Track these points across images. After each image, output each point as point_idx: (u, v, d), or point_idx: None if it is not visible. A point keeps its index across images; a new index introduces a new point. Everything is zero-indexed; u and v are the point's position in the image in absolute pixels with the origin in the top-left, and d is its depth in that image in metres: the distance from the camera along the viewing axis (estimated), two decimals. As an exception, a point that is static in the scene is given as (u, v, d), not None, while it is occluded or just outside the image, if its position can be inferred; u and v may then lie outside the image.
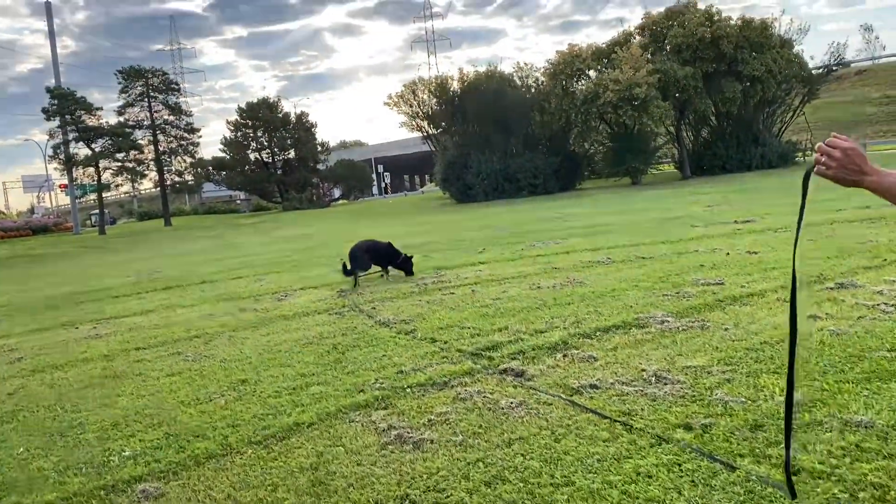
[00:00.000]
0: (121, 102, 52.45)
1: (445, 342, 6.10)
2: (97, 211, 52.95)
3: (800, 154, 38.40)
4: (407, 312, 7.63)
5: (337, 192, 67.78)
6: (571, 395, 4.42)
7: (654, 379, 4.51)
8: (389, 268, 10.43)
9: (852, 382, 4.01)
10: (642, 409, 4.02)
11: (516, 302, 7.51)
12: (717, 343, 5.16)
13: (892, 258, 7.63)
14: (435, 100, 38.74)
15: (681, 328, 5.67)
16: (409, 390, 4.88)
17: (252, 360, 6.23)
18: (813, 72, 36.10)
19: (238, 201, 76.53)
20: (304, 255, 16.23)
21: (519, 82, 37.90)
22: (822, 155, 1.82)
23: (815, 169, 1.89)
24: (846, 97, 61.12)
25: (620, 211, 19.20)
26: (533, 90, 37.44)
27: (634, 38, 36.10)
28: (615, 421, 3.90)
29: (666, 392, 4.24)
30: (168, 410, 5.01)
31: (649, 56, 32.89)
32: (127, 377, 6.10)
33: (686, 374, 4.55)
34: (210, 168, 60.29)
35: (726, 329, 5.52)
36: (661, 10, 35.89)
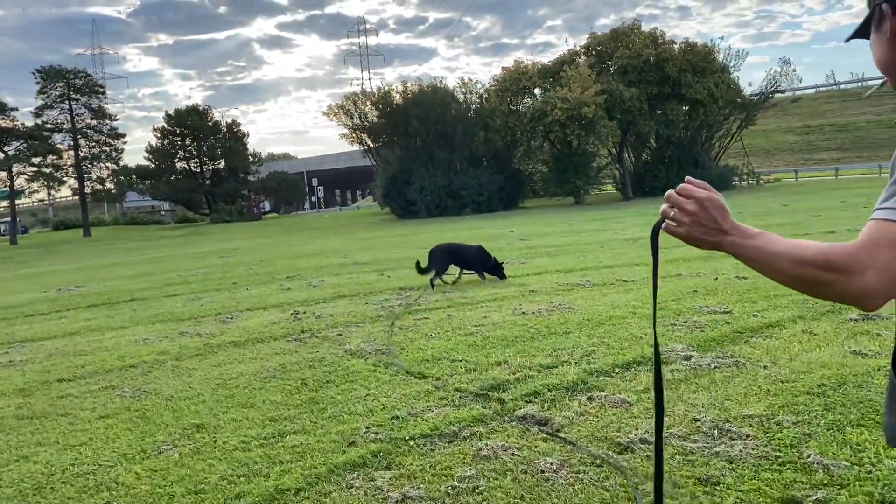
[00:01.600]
0: (38, 104, 49.33)
1: (438, 378, 5.23)
2: (8, 219, 49.53)
3: (737, 178, 39.29)
4: (380, 339, 6.72)
5: (268, 205, 65.80)
6: (622, 453, 3.61)
7: (716, 432, 3.75)
8: (465, 272, 10.32)
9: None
10: (723, 475, 3.24)
11: (504, 329, 6.70)
12: (766, 385, 4.46)
13: None
14: (377, 112, 37.83)
15: (713, 365, 4.96)
16: (412, 443, 3.98)
17: (205, 397, 5.19)
18: (748, 98, 37.02)
19: (162, 212, 73.43)
20: (241, 270, 15.00)
21: (462, 98, 37.43)
22: (671, 207, 1.38)
23: (664, 225, 1.40)
24: (769, 126, 63.41)
25: (576, 231, 18.72)
26: (477, 106, 37.02)
27: (580, 57, 36.18)
28: (695, 494, 3.10)
29: (741, 451, 3.48)
30: (107, 467, 3.96)
31: (595, 76, 32.94)
32: (49, 418, 4.97)
33: (752, 425, 3.81)
34: (134, 176, 57.45)
35: (765, 367, 4.84)
36: (607, 31, 36.22)
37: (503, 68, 36.76)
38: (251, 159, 61.15)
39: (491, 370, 5.34)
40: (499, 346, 6.10)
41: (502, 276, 10.07)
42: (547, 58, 36.30)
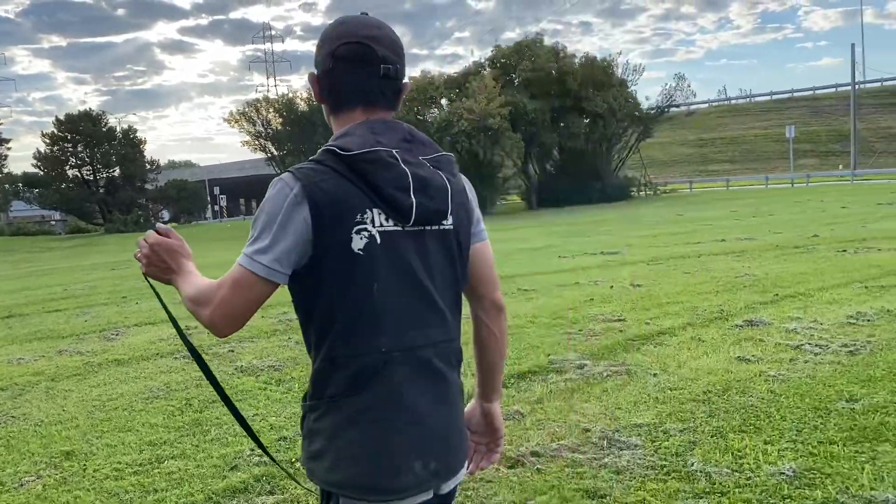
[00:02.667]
0: None
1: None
2: None
3: (635, 189, 40.78)
4: (274, 356, 6.47)
5: (167, 215, 63.23)
6: (512, 467, 3.56)
7: (605, 442, 3.76)
8: None
9: (840, 445, 3.46)
10: (611, 487, 3.23)
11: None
12: (655, 393, 4.54)
13: (781, 292, 7.53)
14: (281, 120, 37.02)
15: (605, 374, 5.01)
16: (299, 465, 3.79)
17: (79, 421, 4.82)
18: (646, 111, 38.58)
19: (52, 222, 69.28)
20: (133, 283, 14.24)
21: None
22: (139, 250, 1.63)
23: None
24: (666, 138, 66.28)
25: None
26: (385, 116, 36.77)
27: (485, 69, 36.70)
28: (584, 506, 3.08)
29: (629, 461, 3.49)
30: (-44, 506, 3.58)
31: (500, 88, 33.45)
32: None
33: (640, 434, 3.84)
34: (20, 185, 53.93)
35: (655, 375, 4.93)
36: (512, 44, 36.96)
37: (410, 78, 36.80)
38: (149, 167, 58.59)
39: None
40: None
41: None
42: (455, 68, 36.47)
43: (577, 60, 36.10)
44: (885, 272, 8.37)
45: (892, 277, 7.98)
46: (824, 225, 14.91)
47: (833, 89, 71.65)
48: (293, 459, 3.86)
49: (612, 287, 8.80)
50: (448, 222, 1.47)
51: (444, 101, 35.98)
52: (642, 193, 41.58)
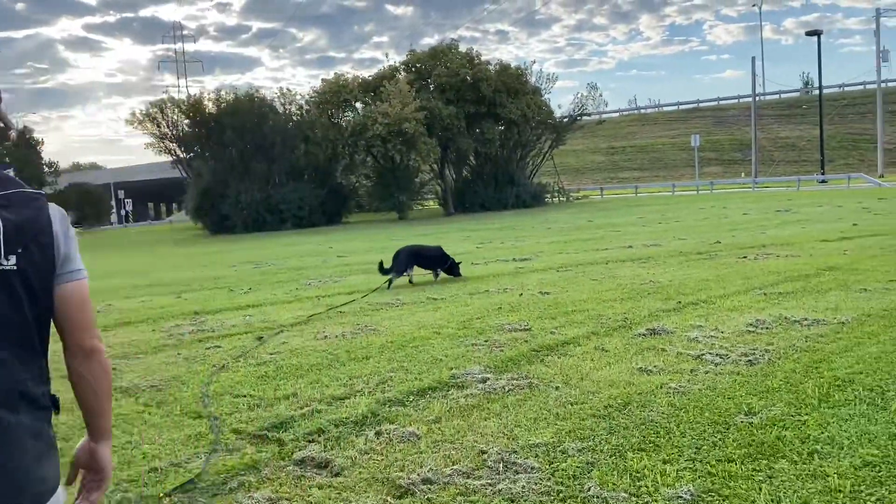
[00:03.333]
0: None
1: (216, 418, 4.66)
2: None
3: (549, 195, 41.41)
4: (159, 374, 5.99)
5: (68, 220, 59.88)
6: (401, 497, 3.30)
7: (501, 466, 3.55)
8: (439, 271, 10.71)
9: (738, 463, 3.36)
10: (504, 518, 3.01)
11: (301, 357, 6.23)
12: (556, 408, 4.37)
13: (684, 300, 7.58)
14: (187, 121, 35.65)
15: (507, 388, 4.82)
16: (166, 501, 3.43)
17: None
18: (559, 119, 39.26)
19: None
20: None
21: (282, 109, 36.31)
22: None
23: None
24: (578, 146, 67.80)
25: (395, 246, 18.47)
26: (297, 118, 36.05)
27: (400, 73, 36.44)
28: (474, 541, 2.84)
29: (524, 486, 3.29)
30: None
31: (415, 93, 33.27)
32: None
33: (538, 455, 3.65)
34: None
35: (557, 388, 4.78)
36: (426, 49, 36.88)
37: (323, 80, 36.15)
38: (47, 169, 55.54)
39: (277, 405, 4.85)
40: (291, 376, 5.62)
41: (457, 274, 10.61)
42: (374, 73, 35.88)
43: (491, 67, 36.34)
44: (783, 278, 8.58)
45: (788, 284, 8.18)
46: (726, 231, 15.38)
47: (736, 100, 75.08)
48: (161, 494, 3.48)
49: (520, 295, 8.69)
50: (8, 262, 1.41)
51: (358, 105, 35.54)
52: (556, 200, 42.27)
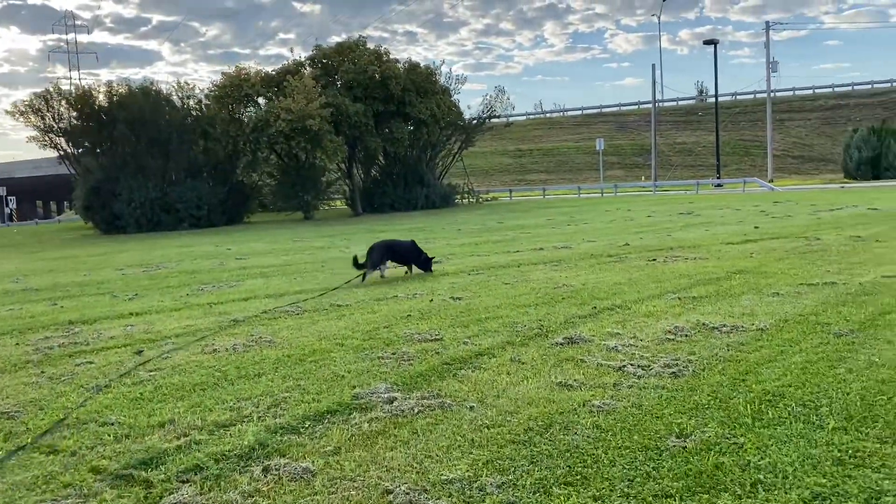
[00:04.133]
0: None
1: (73, 453, 3.97)
2: None
3: (458, 196, 41.26)
4: (14, 396, 5.18)
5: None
6: (290, 557, 2.73)
7: (410, 510, 3.03)
8: (414, 266, 10.61)
9: (677, 498, 2.98)
10: (412, 581, 2.49)
11: (185, 374, 5.52)
12: (471, 433, 3.90)
13: (600, 305, 7.29)
14: (75, 114, 33.29)
15: (417, 410, 4.32)
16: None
17: None
18: (468, 121, 39.16)
19: None
20: None
21: (180, 103, 34.44)
22: None
23: None
24: (487, 148, 68.29)
25: (299, 248, 17.72)
26: (196, 113, 34.29)
27: (305, 68, 35.31)
28: None
29: (437, 537, 2.78)
30: None
31: (321, 89, 32.26)
32: None
33: (451, 495, 3.16)
34: None
35: (472, 408, 4.31)
36: (333, 44, 35.89)
37: (223, 73, 34.57)
38: (-84, 163, 50.84)
39: (150, 435, 4.17)
40: (170, 398, 4.92)
41: (429, 270, 10.52)
42: (278, 67, 34.51)
43: (400, 65, 35.77)
44: (695, 281, 8.47)
45: (701, 287, 8.06)
46: (633, 234, 15.45)
47: (636, 106, 77.67)
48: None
49: (431, 301, 8.21)
50: None
51: (261, 100, 34.19)
52: (465, 201, 42.19)
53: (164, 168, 33.43)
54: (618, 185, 48.33)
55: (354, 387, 4.89)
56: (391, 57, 35.25)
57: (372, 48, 35.35)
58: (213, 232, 29.89)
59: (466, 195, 42.61)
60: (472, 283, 9.40)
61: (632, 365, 5.01)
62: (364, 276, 10.17)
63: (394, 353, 5.77)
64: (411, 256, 10.65)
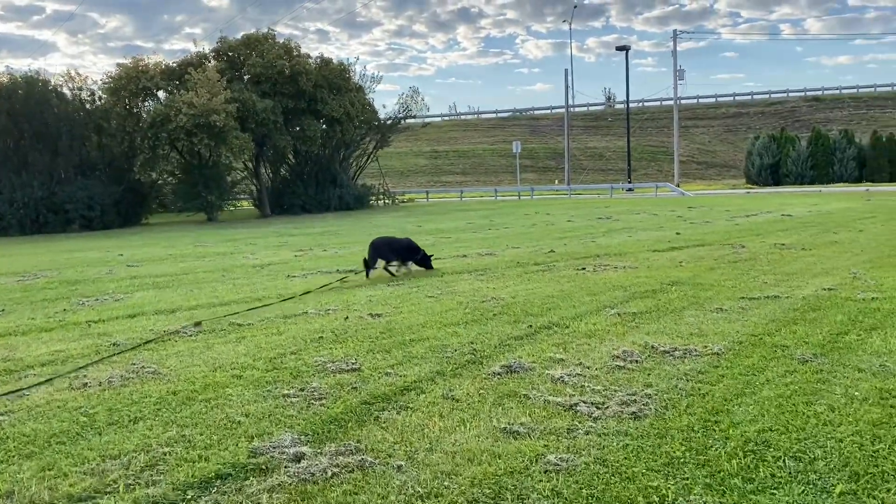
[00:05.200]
0: None
1: None
2: None
3: (374, 198, 40.18)
4: None
5: None
6: None
7: None
8: (410, 263, 10.50)
9: None
10: None
11: (42, 420, 4.46)
12: (402, 508, 3.06)
13: (535, 323, 6.59)
14: None
15: (331, 473, 3.46)
16: None
17: None
18: (384, 120, 38.14)
19: None
20: None
21: (70, 95, 31.85)
22: None
23: None
24: (402, 149, 67.45)
25: (200, 254, 16.33)
26: (89, 106, 31.78)
27: (210, 61, 33.36)
28: None
29: None
30: None
31: (226, 83, 30.50)
32: None
33: None
34: None
35: (400, 468, 3.49)
36: (239, 36, 34.02)
37: (118, 64, 32.22)
38: None
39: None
40: (16, 456, 3.94)
41: (430, 267, 10.48)
42: (179, 59, 32.37)
43: (312, 61, 34.38)
44: (630, 294, 7.92)
45: (638, 301, 7.50)
46: (556, 239, 14.98)
47: (549, 111, 78.68)
48: None
49: (346, 318, 7.31)
50: None
51: (160, 94, 32.09)
52: (381, 202, 41.18)
53: (51, 165, 30.82)
54: (534, 188, 48.48)
55: (252, 437, 3.98)
56: (302, 52, 33.80)
57: (281, 42, 33.78)
58: (106, 235, 27.71)
59: (382, 196, 41.59)
60: (392, 296, 8.54)
61: (584, 403, 4.30)
62: (368, 271, 10.14)
63: (302, 390, 4.86)
64: (409, 254, 10.51)
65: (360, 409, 4.41)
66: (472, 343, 5.97)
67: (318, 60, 34.35)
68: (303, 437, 3.98)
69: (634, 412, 4.10)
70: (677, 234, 14.63)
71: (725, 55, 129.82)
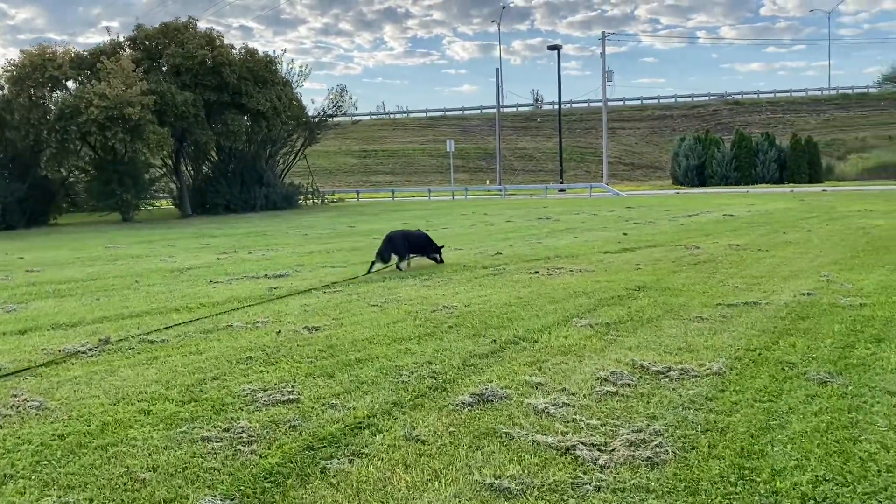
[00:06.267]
0: None
1: None
2: None
3: (302, 197, 38.66)
4: None
5: None
6: None
7: None
8: (419, 256, 10.54)
9: None
10: None
11: None
12: None
13: (499, 337, 5.77)
14: None
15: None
16: None
17: None
18: (312, 118, 36.66)
19: None
20: None
21: (-33, 86, 29.15)
22: None
23: None
24: (331, 147, 65.84)
25: (113, 256, 14.81)
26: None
27: (124, 50, 31.18)
28: None
29: None
30: None
31: (143, 74, 28.54)
32: None
33: None
34: None
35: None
36: (157, 24, 31.89)
37: (22, 51, 29.74)
38: None
39: None
40: None
41: (441, 261, 10.62)
42: (92, 48, 30.05)
43: (236, 52, 32.64)
44: (596, 301, 7.20)
45: (607, 309, 6.78)
46: (500, 240, 14.25)
47: (479, 111, 78.47)
48: None
49: (279, 333, 6.32)
50: None
51: (70, 84, 29.80)
52: (310, 202, 39.70)
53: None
54: (468, 188, 47.91)
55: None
56: (225, 42, 32.00)
57: (203, 31, 31.86)
58: (9, 236, 25.43)
59: (311, 196, 40.11)
60: (331, 305, 7.57)
61: (583, 444, 3.49)
62: (399, 265, 10.10)
63: (227, 430, 3.89)
64: (427, 247, 10.59)
65: (301, 458, 3.49)
66: (430, 363, 5.10)
67: (243, 52, 32.63)
68: (228, 501, 3.03)
69: (650, 457, 3.31)
70: (624, 234, 14.13)
71: (646, 60, 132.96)
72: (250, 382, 4.81)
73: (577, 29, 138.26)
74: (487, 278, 9.10)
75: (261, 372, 5.09)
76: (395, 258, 10.07)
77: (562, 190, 46.56)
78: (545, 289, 8.07)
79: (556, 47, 51.47)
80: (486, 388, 4.42)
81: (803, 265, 9.10)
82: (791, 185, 42.40)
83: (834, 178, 48.25)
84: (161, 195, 36.66)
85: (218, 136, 31.20)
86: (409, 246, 10.35)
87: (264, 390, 4.61)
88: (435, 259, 10.59)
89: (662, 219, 18.36)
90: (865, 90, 76.30)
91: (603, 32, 54.37)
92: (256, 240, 17.60)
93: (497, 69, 59.07)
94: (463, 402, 4.21)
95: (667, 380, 4.51)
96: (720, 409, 3.94)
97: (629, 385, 4.44)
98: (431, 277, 9.30)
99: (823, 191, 34.97)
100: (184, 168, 34.53)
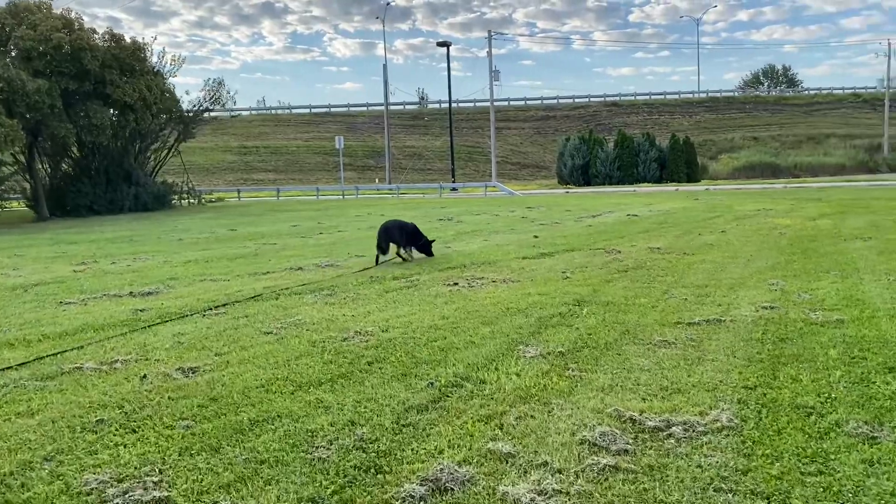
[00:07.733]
0: None
1: None
2: None
3: (176, 197, 35.68)
4: None
5: None
6: None
7: None
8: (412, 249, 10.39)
9: None
10: None
11: None
12: None
13: (436, 377, 4.55)
14: None
15: None
16: None
17: None
18: (186, 112, 33.80)
19: None
20: None
21: None
22: None
23: None
24: (208, 144, 62.23)
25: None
26: None
27: (-36, 31, 27.37)
28: None
29: None
30: None
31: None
32: None
33: None
34: None
35: None
36: (3, 4, 28.19)
37: None
38: None
39: None
40: None
41: (430, 254, 10.40)
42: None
43: (98, 37, 29.50)
44: (535, 322, 6.14)
45: (552, 332, 5.73)
46: (403, 244, 13.00)
47: (365, 108, 76.82)
48: None
49: (144, 377, 4.83)
50: None
51: None
52: (185, 202, 36.81)
53: None
54: (359, 187, 46.25)
55: None
56: (86, 26, 28.80)
57: (59, 13, 28.53)
58: None
59: (186, 195, 37.21)
60: (212, 334, 6.08)
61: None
62: (377, 259, 10.07)
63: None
64: (416, 239, 10.37)
65: None
66: (352, 424, 3.83)
67: (107, 37, 29.49)
68: None
69: None
70: (535, 237, 13.25)
71: (524, 63, 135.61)
72: (99, 467, 3.38)
73: (458, 30, 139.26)
74: (401, 292, 7.86)
75: (115, 446, 3.65)
76: (393, 247, 10.18)
77: (454, 189, 45.86)
78: (472, 305, 6.94)
79: (446, 44, 50.74)
80: (440, 468, 3.21)
81: (741, 272, 8.45)
82: (673, 183, 43.68)
83: (709, 177, 50.31)
84: (12, 196, 32.75)
85: (79, 130, 27.99)
86: (405, 236, 10.31)
87: (119, 482, 3.20)
88: (424, 252, 10.39)
89: (567, 219, 17.72)
90: (733, 94, 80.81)
91: (489, 31, 54.42)
92: (122, 246, 15.44)
93: (384, 65, 57.86)
94: (412, 496, 2.97)
95: (672, 441, 3.46)
96: (764, 490, 2.92)
97: (627, 452, 3.36)
98: (335, 293, 7.94)
99: (707, 189, 36.05)
100: (39, 165, 30.96)
